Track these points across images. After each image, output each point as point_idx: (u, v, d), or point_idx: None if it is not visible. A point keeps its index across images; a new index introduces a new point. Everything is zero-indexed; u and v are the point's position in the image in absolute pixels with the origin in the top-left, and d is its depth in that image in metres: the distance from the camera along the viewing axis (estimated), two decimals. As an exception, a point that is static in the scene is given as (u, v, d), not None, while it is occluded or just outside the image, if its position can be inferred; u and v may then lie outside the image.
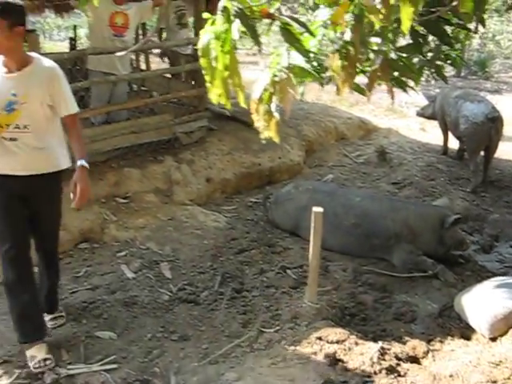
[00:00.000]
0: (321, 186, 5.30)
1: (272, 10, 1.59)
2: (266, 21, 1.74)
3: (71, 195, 3.00)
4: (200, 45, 1.58)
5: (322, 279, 3.73)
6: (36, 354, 3.02)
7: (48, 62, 3.01)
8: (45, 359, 2.99)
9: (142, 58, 8.20)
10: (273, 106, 1.66)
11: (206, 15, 1.57)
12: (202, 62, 1.57)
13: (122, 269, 4.02)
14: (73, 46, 10.44)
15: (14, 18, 2.78)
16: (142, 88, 7.46)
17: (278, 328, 3.32)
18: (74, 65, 8.08)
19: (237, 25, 1.47)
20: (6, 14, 2.73)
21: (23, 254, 3.07)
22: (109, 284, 3.81)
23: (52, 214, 3.24)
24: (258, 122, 1.67)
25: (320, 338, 3.05)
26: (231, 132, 6.47)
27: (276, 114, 1.69)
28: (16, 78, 2.90)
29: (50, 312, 3.39)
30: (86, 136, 5.11)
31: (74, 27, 11.33)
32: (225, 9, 1.48)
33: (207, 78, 1.57)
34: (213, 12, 5.30)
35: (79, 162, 3.03)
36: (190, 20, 7.25)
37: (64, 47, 20.18)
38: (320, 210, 3.40)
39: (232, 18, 1.47)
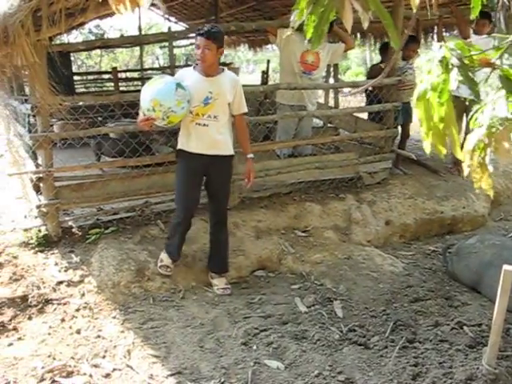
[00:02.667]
0: (509, 242, 4.92)
1: (493, 59, 1.53)
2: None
3: (245, 180, 4.27)
4: (416, 94, 1.57)
5: (501, 342, 3.44)
6: (164, 259, 4.29)
7: (232, 73, 4.18)
8: (167, 266, 4.27)
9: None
10: (487, 159, 1.59)
11: (420, 61, 1.56)
12: (418, 112, 1.56)
13: (295, 301, 4.07)
14: (265, 79, 10.98)
15: (220, 42, 3.85)
16: (329, 124, 7.60)
17: (450, 387, 3.12)
18: (264, 97, 8.49)
19: (455, 74, 1.44)
20: (216, 39, 3.79)
21: (188, 215, 4.19)
22: (281, 314, 3.86)
23: (223, 185, 4.21)
24: (472, 172, 1.61)
25: (496, 407, 2.82)
26: (415, 176, 6.33)
27: (490, 167, 1.61)
28: (212, 80, 3.94)
29: (219, 272, 4.36)
30: (272, 167, 5.36)
31: (268, 61, 11.86)
32: (443, 59, 1.45)
33: (423, 128, 1.55)
34: (407, 58, 5.25)
35: (249, 155, 4.24)
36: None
37: (251, 80, 21.35)
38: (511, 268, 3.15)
39: (450, 67, 1.44)
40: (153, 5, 10.47)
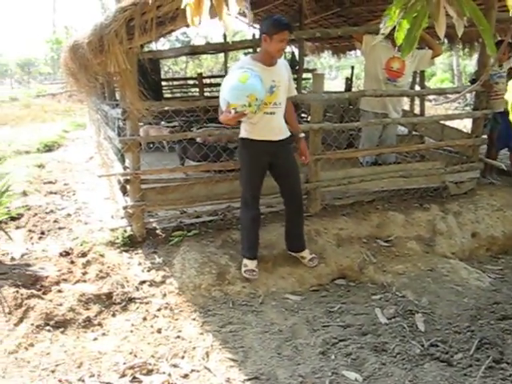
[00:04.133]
0: None
1: None
2: None
3: (302, 157, 4.44)
4: (510, 101, 1.50)
5: None
6: (248, 264, 4.35)
7: (282, 59, 4.25)
8: (252, 270, 4.32)
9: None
10: None
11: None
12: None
13: (375, 312, 3.97)
14: (348, 86, 10.88)
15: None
16: (414, 132, 7.43)
17: (543, 414, 2.95)
18: (349, 104, 8.39)
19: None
20: (291, 31, 3.97)
21: (256, 201, 4.37)
22: (361, 325, 3.78)
23: (293, 164, 4.36)
24: None
25: None
26: (505, 188, 6.06)
27: None
28: (273, 69, 4.05)
29: (297, 250, 4.57)
30: (355, 175, 5.30)
31: (352, 68, 11.75)
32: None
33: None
34: (499, 61, 5.03)
35: (301, 135, 4.44)
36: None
37: (333, 86, 21.22)
38: None
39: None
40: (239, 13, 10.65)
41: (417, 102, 8.68)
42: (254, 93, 3.72)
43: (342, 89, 11.42)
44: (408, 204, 5.53)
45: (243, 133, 4.24)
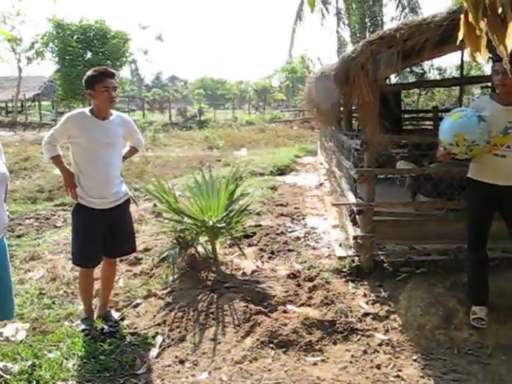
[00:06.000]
0: None
1: None
2: None
3: None
4: None
5: None
6: (477, 311, 4.05)
7: None
8: (481, 318, 4.00)
9: None
10: None
11: None
12: None
13: None
14: None
15: None
16: None
17: None
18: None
19: None
20: None
21: (481, 244, 4.05)
22: None
23: None
24: None
25: None
26: None
27: None
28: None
29: None
30: None
31: None
32: None
33: None
34: None
35: None
36: None
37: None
38: None
39: None
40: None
41: None
42: (461, 133, 3.62)
43: None
44: None
45: (469, 172, 4.08)
